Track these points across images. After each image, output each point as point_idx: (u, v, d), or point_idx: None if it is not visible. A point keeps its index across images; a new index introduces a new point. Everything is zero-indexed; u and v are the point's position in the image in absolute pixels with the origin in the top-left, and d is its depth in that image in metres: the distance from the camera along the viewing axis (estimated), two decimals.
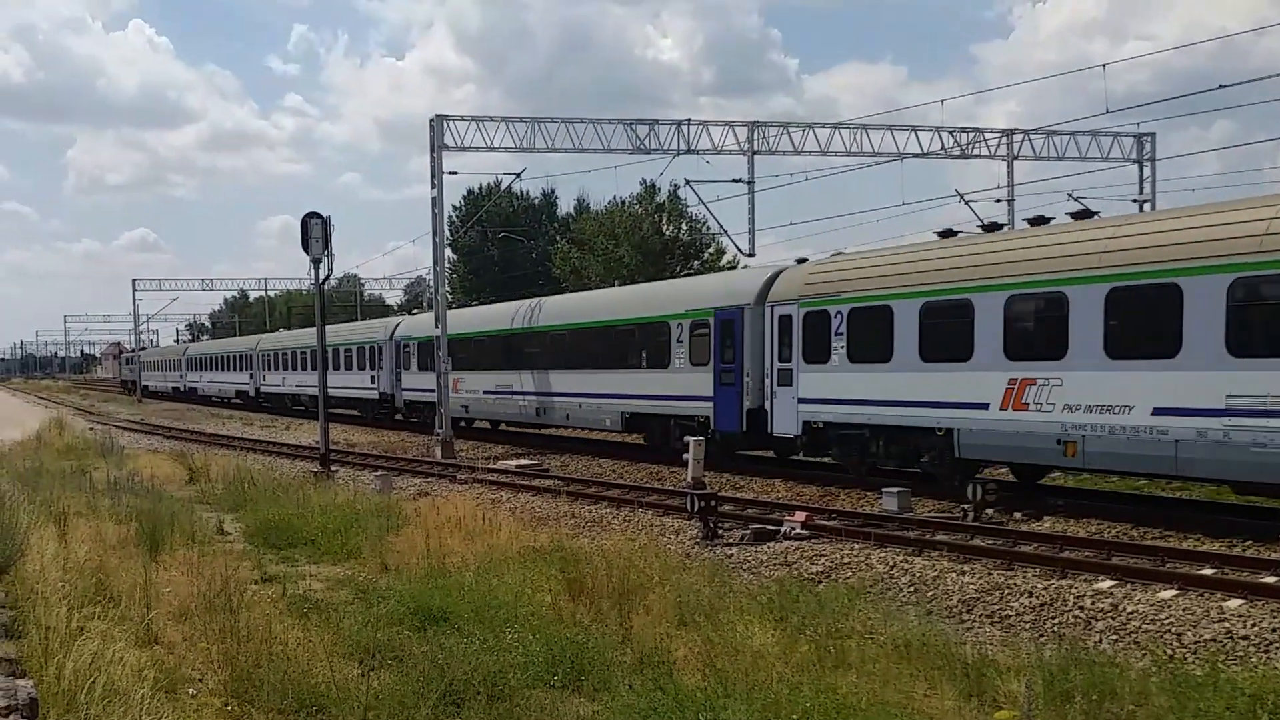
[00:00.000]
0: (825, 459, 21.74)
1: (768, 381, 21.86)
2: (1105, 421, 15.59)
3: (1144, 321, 15.32)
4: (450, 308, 33.42)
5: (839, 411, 20.19)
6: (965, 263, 18.16)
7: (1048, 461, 17.57)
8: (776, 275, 22.68)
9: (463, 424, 35.39)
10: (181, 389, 73.78)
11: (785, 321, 21.37)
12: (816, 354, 20.62)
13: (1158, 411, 14.91)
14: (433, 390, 32.15)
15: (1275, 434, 13.58)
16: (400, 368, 39.91)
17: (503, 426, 36.67)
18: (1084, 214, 18.73)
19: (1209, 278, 14.24)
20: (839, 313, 20.15)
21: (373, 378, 41.83)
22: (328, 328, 31.43)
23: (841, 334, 20.10)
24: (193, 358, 75.54)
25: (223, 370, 66.35)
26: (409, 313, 53.77)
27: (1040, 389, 16.59)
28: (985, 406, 17.42)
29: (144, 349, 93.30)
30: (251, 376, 59.22)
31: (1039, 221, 18.49)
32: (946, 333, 18.16)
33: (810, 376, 20.74)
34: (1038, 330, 16.81)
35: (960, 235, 20.45)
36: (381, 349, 41.54)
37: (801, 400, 20.96)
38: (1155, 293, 14.92)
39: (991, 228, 21.24)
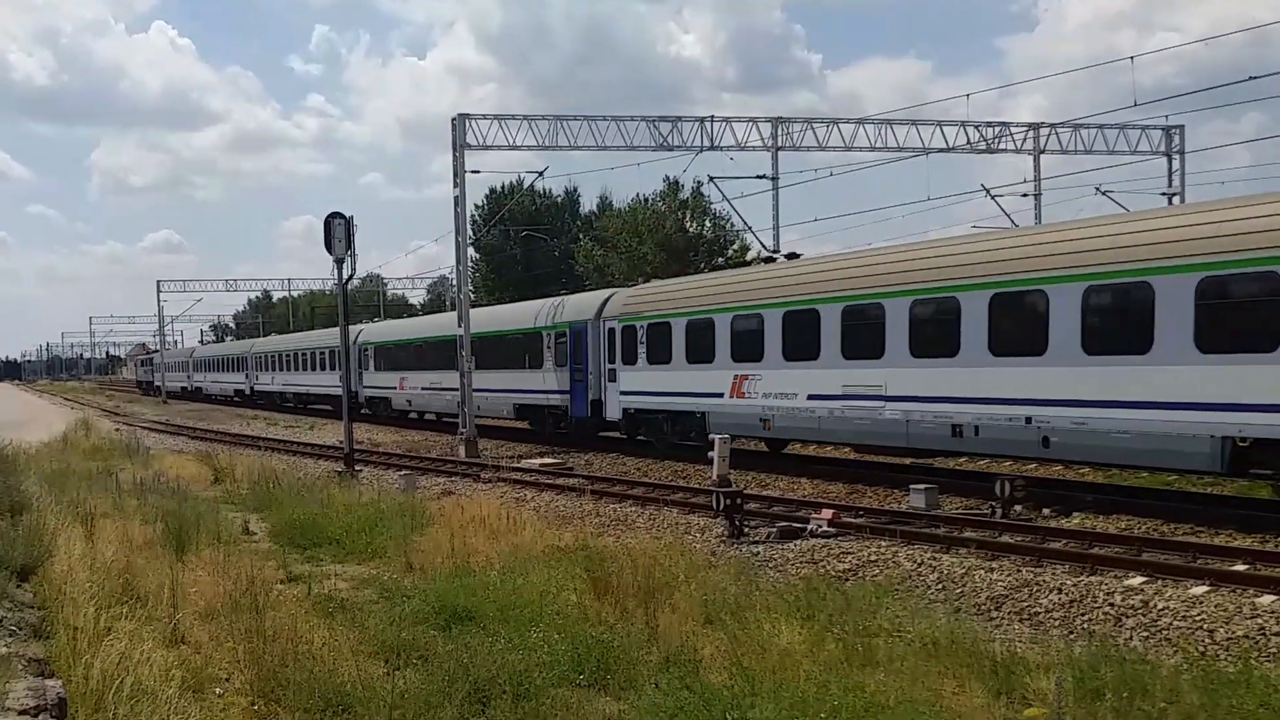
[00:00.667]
0: (640, 437, 28.02)
1: (603, 379, 28.48)
2: (783, 405, 22.18)
3: (804, 335, 21.48)
4: (474, 305, 33.84)
5: (644, 401, 26.59)
6: (712, 292, 24.95)
7: (757, 434, 23.58)
8: (609, 298, 29.39)
9: (412, 415, 42.96)
10: (189, 388, 79.70)
11: (611, 333, 28.00)
12: (629, 358, 27.11)
13: (811, 397, 21.47)
14: (385, 387, 43.30)
15: (872, 409, 19.99)
16: (361, 368, 46.27)
17: (428, 416, 42.66)
18: (791, 255, 26.43)
19: (898, 300, 19.41)
20: (643, 327, 26.59)
21: (341, 376, 44.41)
22: (302, 334, 36.43)
23: (644, 343, 26.49)
24: (198, 360, 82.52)
25: (223, 371, 72.17)
26: (370, 320, 60.50)
27: (750, 383, 23.08)
28: (721, 396, 23.82)
29: (156, 352, 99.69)
30: (247, 377, 65.28)
31: (769, 259, 27.27)
32: (701, 342, 24.49)
33: (626, 374, 27.34)
34: (751, 340, 22.98)
35: (723, 272, 29.18)
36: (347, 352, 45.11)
37: (622, 393, 27.51)
38: (872, 310, 19.96)
39: (769, 259, 27.84)
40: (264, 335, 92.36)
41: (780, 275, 23.29)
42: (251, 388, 63.85)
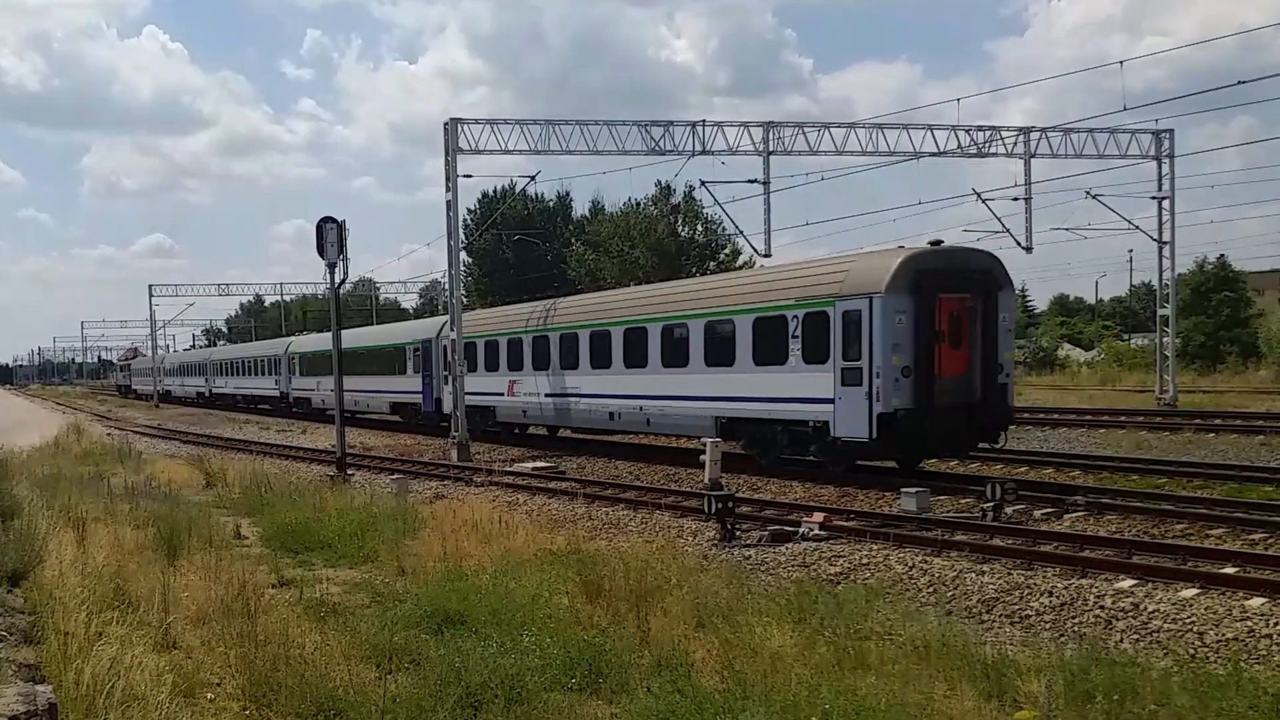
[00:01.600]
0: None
1: (439, 382, 36.82)
2: (531, 401, 31.96)
3: (542, 352, 31.38)
4: (467, 309, 34.56)
5: (476, 399, 33.13)
6: (495, 321, 35.59)
7: (523, 420, 33.32)
8: (445, 322, 35.47)
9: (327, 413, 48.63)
10: (160, 391, 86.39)
11: (443, 349, 35.68)
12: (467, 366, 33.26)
13: (546, 395, 31.08)
14: (306, 389, 53.35)
15: (574, 402, 29.77)
16: (290, 374, 56.17)
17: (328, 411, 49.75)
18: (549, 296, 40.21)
19: (581, 330, 29.82)
20: (470, 344, 33.58)
21: (275, 380, 58.91)
22: (249, 344, 47.81)
23: (470, 355, 33.64)
24: (167, 366, 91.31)
25: (187, 376, 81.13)
26: (300, 332, 73.22)
27: (519, 384, 32.64)
28: (501, 395, 33.54)
29: (134, 359, 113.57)
30: (206, 380, 74.78)
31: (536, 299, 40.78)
32: (490, 356, 34.18)
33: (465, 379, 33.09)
34: (514, 355, 32.83)
35: (504, 308, 40.88)
36: (279, 360, 58.30)
37: (449, 393, 33.45)
38: (569, 338, 30.14)
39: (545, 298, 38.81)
40: (255, 340, 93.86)
41: (529, 311, 33.49)
42: (210, 390, 72.95)
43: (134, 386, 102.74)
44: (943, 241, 21.40)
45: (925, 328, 19.75)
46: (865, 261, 21.25)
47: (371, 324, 70.47)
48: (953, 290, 20.20)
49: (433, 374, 38.10)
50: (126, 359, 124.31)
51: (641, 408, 26.68)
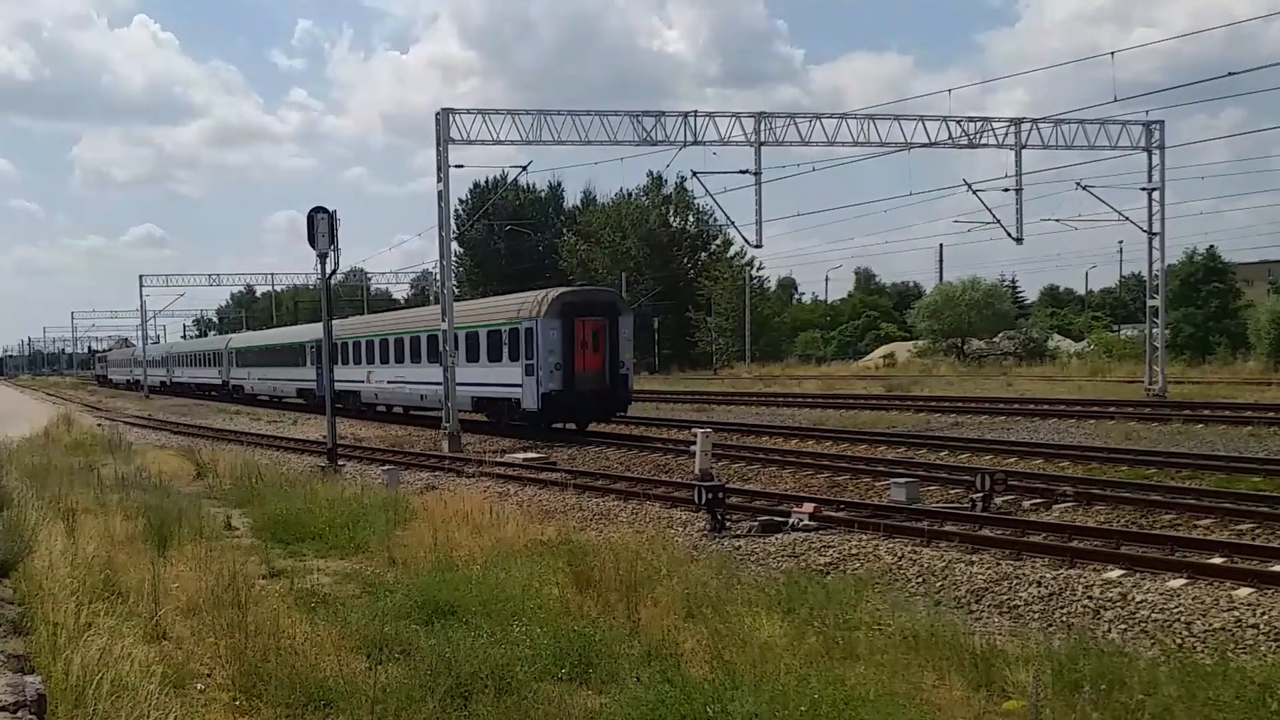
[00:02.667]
0: (339, 405, 39.28)
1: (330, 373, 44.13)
2: (369, 386, 43.39)
3: (370, 352, 43.78)
4: (457, 299, 34.15)
5: (346, 385, 42.77)
6: (350, 329, 47.11)
7: (376, 401, 43.25)
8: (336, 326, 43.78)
9: (264, 398, 58.90)
10: (131, 380, 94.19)
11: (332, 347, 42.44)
12: (336, 360, 40.83)
13: (388, 382, 42.15)
14: (241, 378, 63.63)
15: (380, 386, 42.82)
16: (230, 365, 66.04)
17: (261, 397, 60.21)
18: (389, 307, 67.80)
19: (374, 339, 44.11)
20: (338, 344, 42.33)
21: (219, 371, 69.23)
22: (199, 340, 67.30)
23: (344, 352, 44.67)
24: (136, 358, 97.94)
25: (155, 367, 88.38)
26: (243, 329, 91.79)
27: (372, 374, 43.03)
28: (363, 381, 43.67)
29: (111, 350, 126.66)
30: (168, 371, 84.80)
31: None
32: (359, 353, 44.20)
33: (336, 370, 38.36)
34: (369, 353, 43.01)
35: (358, 318, 58.00)
36: (221, 354, 69.12)
37: (333, 380, 41.45)
38: (398, 341, 41.01)
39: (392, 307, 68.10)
40: (247, 329, 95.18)
41: (377, 320, 48.57)
42: (171, 379, 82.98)
43: (110, 376, 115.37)
44: (580, 284, 39.87)
45: (569, 339, 30.67)
46: (533, 297, 32.32)
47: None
48: (587, 315, 31.41)
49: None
50: (104, 353, 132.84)
51: (433, 392, 34.35)
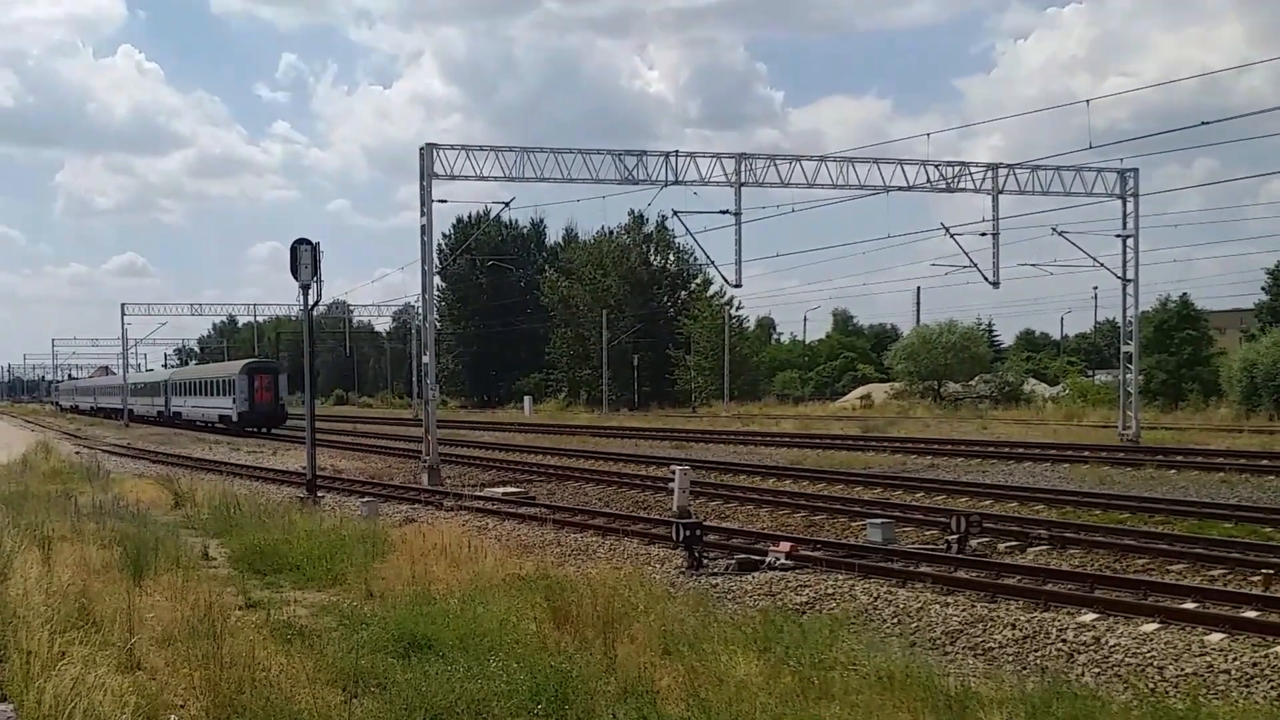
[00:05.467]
0: (218, 425, 63.29)
1: (244, 402, 61.62)
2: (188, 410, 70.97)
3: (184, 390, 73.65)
4: (442, 334, 33.98)
5: (183, 409, 70.49)
6: (188, 372, 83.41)
7: (191, 418, 68.83)
8: (242, 365, 64.47)
9: (200, 423, 66.59)
10: (94, 407, 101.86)
11: (215, 383, 67.12)
12: (195, 392, 70.48)
13: (194, 407, 68.88)
14: (178, 406, 73.14)
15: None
16: (170, 395, 75.90)
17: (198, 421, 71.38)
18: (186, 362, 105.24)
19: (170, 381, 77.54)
20: (180, 382, 76.01)
21: (162, 400, 78.05)
22: (145, 373, 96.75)
23: (180, 389, 74.29)
24: (96, 388, 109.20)
25: (110, 396, 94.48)
26: (185, 363, 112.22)
27: (188, 401, 70.51)
28: (185, 405, 70.83)
29: (66, 380, 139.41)
30: (122, 401, 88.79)
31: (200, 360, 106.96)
32: (188, 389, 72.43)
33: (195, 399, 70.69)
34: (189, 389, 72.82)
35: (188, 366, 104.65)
36: (162, 385, 79.37)
37: (207, 408, 67.68)
38: (202, 382, 70.98)
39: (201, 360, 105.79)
40: (229, 359, 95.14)
41: (191, 369, 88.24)
42: (126, 408, 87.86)
43: (60, 403, 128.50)
44: (269, 357, 78.80)
45: (251, 386, 57.95)
46: (237, 364, 64.31)
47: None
48: (262, 373, 59.35)
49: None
50: (58, 382, 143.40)
51: (211, 411, 62.76)
